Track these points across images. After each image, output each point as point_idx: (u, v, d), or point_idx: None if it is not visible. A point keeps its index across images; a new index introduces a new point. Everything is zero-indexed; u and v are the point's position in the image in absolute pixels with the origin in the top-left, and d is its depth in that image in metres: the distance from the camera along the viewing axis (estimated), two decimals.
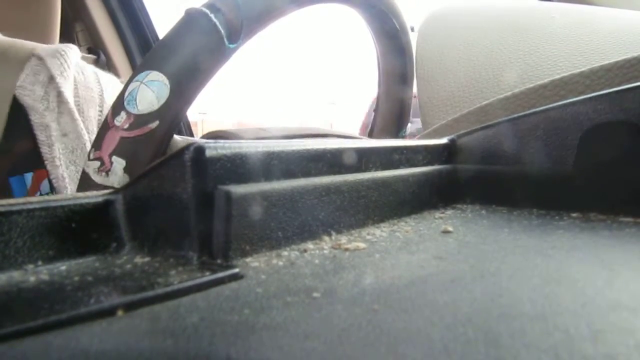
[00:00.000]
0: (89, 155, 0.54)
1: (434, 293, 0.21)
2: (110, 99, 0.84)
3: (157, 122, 0.53)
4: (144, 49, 1.56)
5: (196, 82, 0.55)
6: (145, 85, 0.52)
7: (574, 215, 0.36)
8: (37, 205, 0.26)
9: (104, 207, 0.29)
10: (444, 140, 0.45)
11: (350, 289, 0.22)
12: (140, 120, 0.52)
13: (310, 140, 0.34)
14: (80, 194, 0.29)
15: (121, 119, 0.53)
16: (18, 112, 0.75)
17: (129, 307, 0.20)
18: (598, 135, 0.37)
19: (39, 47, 0.80)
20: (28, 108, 0.74)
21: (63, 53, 0.79)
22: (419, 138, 0.62)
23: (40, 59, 0.77)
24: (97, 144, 0.54)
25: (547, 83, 0.50)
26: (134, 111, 0.52)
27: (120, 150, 0.53)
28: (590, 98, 0.38)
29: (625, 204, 0.35)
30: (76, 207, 0.27)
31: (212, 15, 0.54)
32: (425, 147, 0.43)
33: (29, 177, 0.78)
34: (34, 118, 0.75)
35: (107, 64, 1.46)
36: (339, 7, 0.76)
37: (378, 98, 0.92)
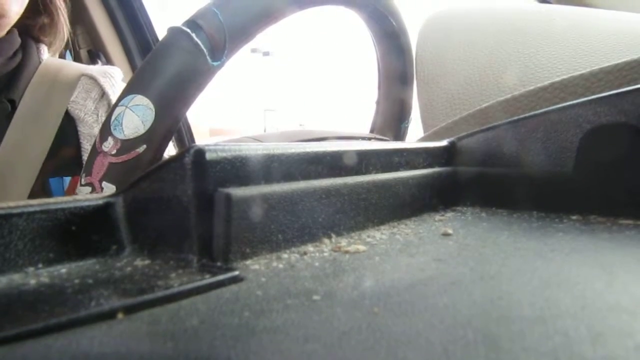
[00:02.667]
0: (80, 181, 0.54)
1: (433, 296, 0.22)
2: None
3: (144, 147, 0.52)
4: (144, 51, 1.56)
5: (181, 103, 0.55)
6: (130, 110, 0.52)
7: (574, 217, 0.36)
8: (37, 208, 0.26)
9: (104, 210, 0.29)
10: (444, 143, 0.45)
11: (350, 292, 0.22)
12: (127, 145, 0.52)
13: (310, 142, 0.34)
14: (81, 197, 0.29)
15: (109, 145, 0.52)
16: (68, 123, 0.83)
17: (129, 309, 0.20)
18: (598, 137, 0.37)
19: (88, 68, 0.89)
20: (78, 120, 0.83)
21: (112, 73, 0.89)
22: (419, 140, 0.62)
23: (91, 77, 0.86)
24: (88, 169, 0.54)
25: (547, 85, 0.50)
26: (121, 136, 0.52)
27: (109, 176, 0.53)
28: (590, 100, 0.38)
29: (624, 206, 0.35)
30: (76, 210, 0.27)
31: (193, 35, 0.54)
32: (425, 150, 0.43)
33: (67, 180, 0.85)
34: (82, 129, 0.83)
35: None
36: (330, 10, 0.75)
37: (378, 98, 0.93)
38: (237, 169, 0.28)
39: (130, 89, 0.53)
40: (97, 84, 0.86)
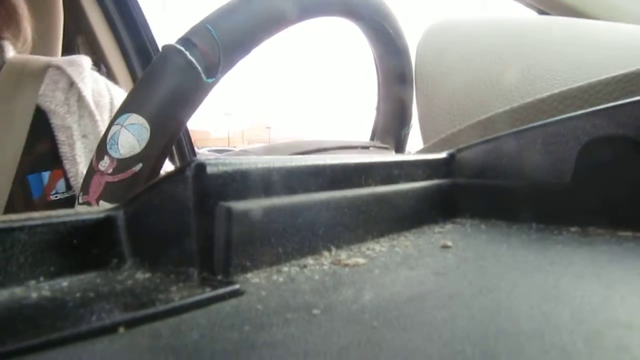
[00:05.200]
0: (77, 199, 0.55)
1: (432, 310, 0.22)
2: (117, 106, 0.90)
3: (140, 165, 0.53)
4: (144, 61, 1.57)
5: (176, 121, 0.55)
6: (126, 129, 0.52)
7: (573, 229, 0.37)
8: (38, 222, 0.26)
9: (105, 223, 0.29)
10: (443, 155, 0.45)
11: (349, 306, 0.22)
12: (123, 164, 0.53)
13: (310, 155, 0.34)
14: (82, 210, 0.29)
15: (105, 164, 0.53)
16: (39, 117, 0.82)
17: (131, 324, 0.20)
18: (596, 149, 0.37)
19: (54, 59, 0.87)
20: (49, 113, 0.81)
21: (80, 63, 0.87)
22: (419, 152, 0.62)
23: (58, 68, 0.84)
24: (85, 188, 0.54)
25: (545, 97, 0.51)
26: (117, 155, 0.52)
27: (106, 195, 0.53)
28: (588, 113, 0.38)
29: (623, 218, 0.35)
30: (78, 223, 0.28)
31: (187, 53, 0.54)
32: (425, 162, 0.43)
33: (46, 175, 0.83)
34: (55, 121, 0.81)
35: (107, 76, 1.46)
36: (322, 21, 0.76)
37: (378, 100, 0.93)
38: (237, 183, 0.28)
39: (126, 108, 0.54)
40: (64, 73, 0.84)
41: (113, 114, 0.89)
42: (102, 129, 0.83)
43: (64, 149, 0.82)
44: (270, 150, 0.82)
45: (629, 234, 0.34)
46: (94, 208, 0.30)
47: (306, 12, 0.65)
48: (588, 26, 0.69)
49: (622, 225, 0.35)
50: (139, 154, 0.52)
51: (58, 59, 0.88)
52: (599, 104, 0.40)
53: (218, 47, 0.55)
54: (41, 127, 0.82)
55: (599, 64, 0.55)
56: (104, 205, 0.51)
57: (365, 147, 0.85)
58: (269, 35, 0.60)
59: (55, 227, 0.27)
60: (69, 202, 0.83)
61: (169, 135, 0.55)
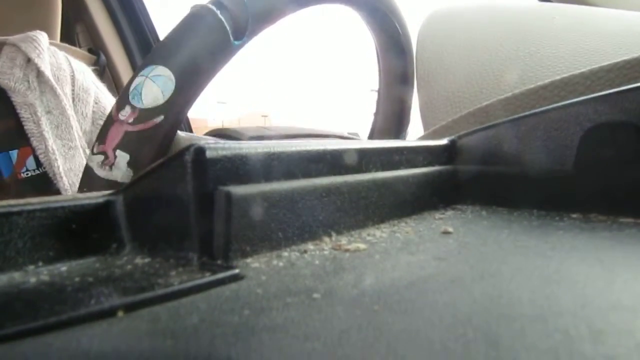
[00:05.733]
0: (92, 149, 0.54)
1: (434, 294, 0.22)
2: (80, 80, 0.92)
3: (162, 117, 0.53)
4: (144, 49, 1.56)
5: (201, 78, 0.56)
6: (151, 79, 0.52)
7: (574, 216, 0.36)
8: (37, 207, 0.26)
9: (105, 208, 0.29)
10: (444, 141, 0.45)
11: (350, 290, 0.22)
12: (145, 114, 0.52)
13: (310, 140, 0.34)
14: (81, 195, 0.29)
15: (126, 113, 0.53)
16: (0, 96, 0.82)
17: (130, 308, 0.20)
18: (598, 136, 0.37)
19: (9, 38, 0.87)
20: (9, 90, 0.82)
21: (35, 38, 0.87)
22: (420, 139, 0.62)
23: (13, 45, 0.85)
24: (101, 137, 0.54)
25: (547, 84, 0.50)
26: (139, 105, 0.52)
27: (124, 145, 0.53)
28: (590, 99, 0.38)
29: (625, 204, 0.35)
30: (76, 208, 0.27)
31: (218, 12, 0.54)
32: (426, 148, 0.43)
33: (14, 154, 0.83)
34: (16, 98, 0.82)
35: (107, 65, 1.46)
36: (341, 8, 0.76)
37: (378, 99, 0.92)
38: (237, 167, 0.28)
39: (152, 60, 0.54)
40: (19, 50, 0.84)
41: (75, 88, 0.89)
42: (65, 103, 0.84)
43: (29, 126, 0.82)
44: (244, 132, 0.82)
45: (630, 220, 0.34)
46: (93, 193, 0.30)
47: None
48: (589, 13, 0.68)
49: (624, 211, 0.35)
50: (161, 105, 0.53)
51: (14, 37, 0.88)
52: (600, 91, 0.40)
53: (247, 12, 0.56)
54: (2, 105, 0.82)
55: (600, 50, 0.54)
56: (121, 154, 0.52)
57: (338, 137, 0.86)
58: (294, 10, 0.62)
59: (54, 211, 0.27)
60: (41, 179, 0.83)
61: (193, 90, 0.56)
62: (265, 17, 0.59)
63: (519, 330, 0.17)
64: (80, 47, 1.49)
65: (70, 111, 0.85)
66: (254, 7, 0.57)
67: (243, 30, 0.56)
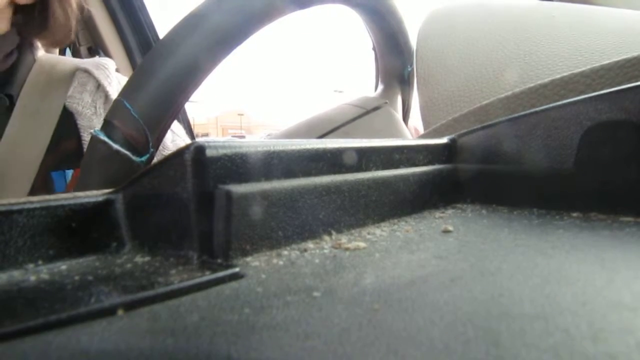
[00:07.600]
0: None
1: (434, 292, 0.21)
2: None
3: None
4: (144, 48, 1.56)
5: None
6: None
7: (575, 214, 0.36)
8: (37, 205, 0.26)
9: (105, 207, 0.29)
10: (444, 140, 0.45)
11: (350, 289, 0.22)
12: None
13: (311, 140, 0.34)
14: (81, 194, 0.29)
15: None
16: (67, 117, 0.85)
17: (129, 306, 0.20)
18: (598, 134, 0.37)
19: (82, 62, 0.91)
20: (76, 114, 0.85)
21: (105, 64, 0.91)
22: (419, 137, 0.61)
23: (85, 71, 0.88)
24: None
25: (547, 82, 0.50)
26: None
27: None
28: (590, 97, 0.38)
29: (625, 203, 0.35)
30: (76, 207, 0.27)
31: (110, 143, 0.52)
32: (426, 147, 0.43)
33: (69, 173, 0.88)
34: (82, 122, 0.85)
35: None
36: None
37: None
38: (237, 166, 0.27)
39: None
40: (91, 76, 0.87)
41: None
42: None
43: None
44: (292, 133, 0.82)
45: (630, 219, 0.34)
46: (93, 192, 0.30)
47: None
48: (589, 11, 0.68)
49: (624, 210, 0.35)
50: None
51: (85, 61, 0.92)
52: (601, 89, 0.40)
53: (141, 125, 0.52)
54: (68, 127, 0.85)
55: (600, 49, 0.54)
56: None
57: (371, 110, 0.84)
58: (197, 85, 0.56)
59: (54, 210, 0.27)
60: None
61: None
62: (165, 116, 0.53)
63: (519, 329, 0.17)
64: (79, 45, 1.49)
65: None
66: (147, 115, 0.52)
67: (145, 144, 0.52)
